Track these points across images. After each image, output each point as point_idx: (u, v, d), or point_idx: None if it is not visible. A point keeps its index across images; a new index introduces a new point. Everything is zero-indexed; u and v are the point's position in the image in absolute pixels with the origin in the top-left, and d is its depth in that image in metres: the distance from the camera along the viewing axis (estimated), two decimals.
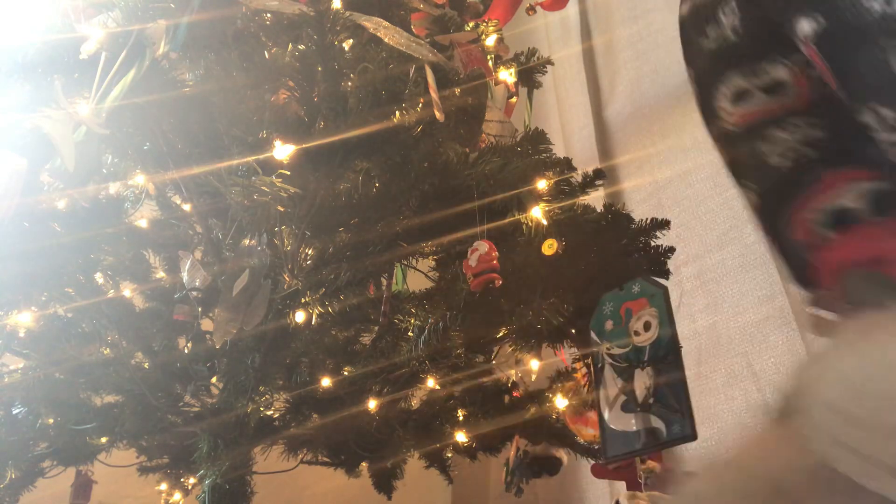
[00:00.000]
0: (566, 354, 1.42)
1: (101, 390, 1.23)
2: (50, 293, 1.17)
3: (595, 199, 1.27)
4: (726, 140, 0.60)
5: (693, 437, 0.95)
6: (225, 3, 1.09)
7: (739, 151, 0.58)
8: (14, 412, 1.21)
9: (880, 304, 0.42)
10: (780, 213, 0.53)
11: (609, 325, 1.10)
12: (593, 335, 1.12)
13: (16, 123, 0.94)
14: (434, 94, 1.11)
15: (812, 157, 0.51)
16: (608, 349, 1.09)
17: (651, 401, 1.00)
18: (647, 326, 1.05)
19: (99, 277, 1.29)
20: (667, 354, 1.02)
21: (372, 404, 1.24)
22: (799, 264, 0.52)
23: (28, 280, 1.10)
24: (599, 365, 1.09)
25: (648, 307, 1.07)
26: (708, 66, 0.58)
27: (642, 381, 1.02)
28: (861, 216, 0.47)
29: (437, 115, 1.09)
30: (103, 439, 1.25)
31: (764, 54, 0.54)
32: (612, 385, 1.06)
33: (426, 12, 1.43)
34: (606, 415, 1.05)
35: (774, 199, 0.54)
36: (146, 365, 1.19)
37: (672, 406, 0.98)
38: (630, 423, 1.02)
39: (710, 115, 0.61)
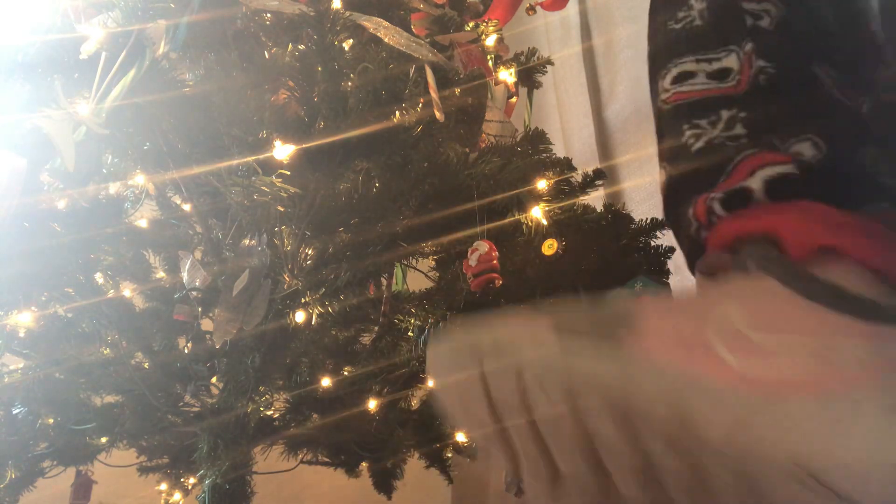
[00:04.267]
0: None
1: (101, 390, 1.23)
2: (50, 293, 1.17)
3: (595, 199, 1.27)
4: (657, 118, 0.58)
5: None
6: (225, 3, 1.09)
7: (665, 131, 0.56)
8: (14, 412, 1.21)
9: (769, 275, 0.40)
10: (685, 199, 0.50)
11: None
12: None
13: (16, 123, 0.94)
14: (434, 94, 1.11)
15: (731, 149, 0.48)
16: None
17: None
18: None
19: (99, 277, 1.29)
20: None
21: (372, 404, 1.24)
22: (694, 250, 0.50)
23: (28, 280, 1.10)
24: None
25: None
26: (666, 45, 0.56)
27: None
28: (757, 197, 0.45)
29: (437, 115, 1.09)
30: (103, 439, 1.25)
31: (725, 42, 0.52)
32: None
33: (426, 12, 1.43)
34: None
35: (684, 183, 0.52)
36: (146, 365, 1.19)
37: None
38: None
39: (654, 93, 0.59)
